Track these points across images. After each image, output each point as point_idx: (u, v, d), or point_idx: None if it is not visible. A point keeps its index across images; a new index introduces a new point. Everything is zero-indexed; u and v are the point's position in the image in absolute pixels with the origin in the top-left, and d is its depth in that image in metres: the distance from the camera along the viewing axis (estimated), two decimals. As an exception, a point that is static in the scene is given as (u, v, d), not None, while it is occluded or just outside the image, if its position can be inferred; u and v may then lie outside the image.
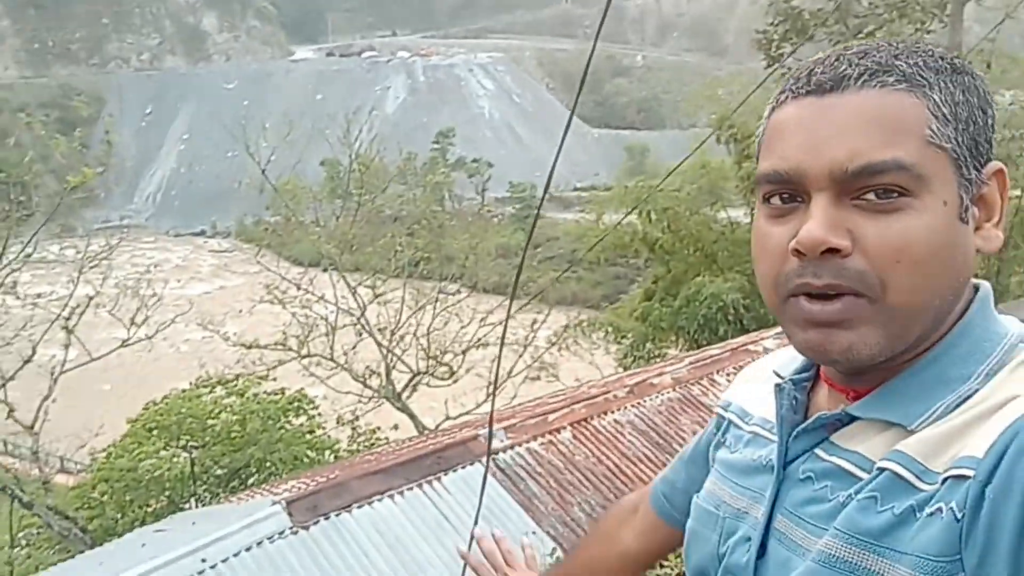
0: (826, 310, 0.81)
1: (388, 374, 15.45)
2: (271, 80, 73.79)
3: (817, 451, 0.89)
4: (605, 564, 1.32)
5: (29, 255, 12.84)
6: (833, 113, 0.81)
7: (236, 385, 14.42)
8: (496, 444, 6.13)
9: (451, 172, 54.19)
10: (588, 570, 1.35)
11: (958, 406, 0.81)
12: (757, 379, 1.07)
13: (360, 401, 15.40)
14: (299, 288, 16.00)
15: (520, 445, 6.29)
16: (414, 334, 15.68)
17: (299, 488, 6.01)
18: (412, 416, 15.14)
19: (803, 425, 0.91)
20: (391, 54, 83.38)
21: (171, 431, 13.29)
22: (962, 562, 0.72)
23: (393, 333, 15.66)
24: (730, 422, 1.08)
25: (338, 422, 15.16)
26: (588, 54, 1.80)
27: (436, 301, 15.99)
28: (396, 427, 15.53)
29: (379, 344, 15.49)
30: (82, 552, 8.61)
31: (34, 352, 12.48)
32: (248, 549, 5.17)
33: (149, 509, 12.79)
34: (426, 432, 12.02)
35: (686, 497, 1.09)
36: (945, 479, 0.76)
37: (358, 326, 15.63)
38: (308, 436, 13.95)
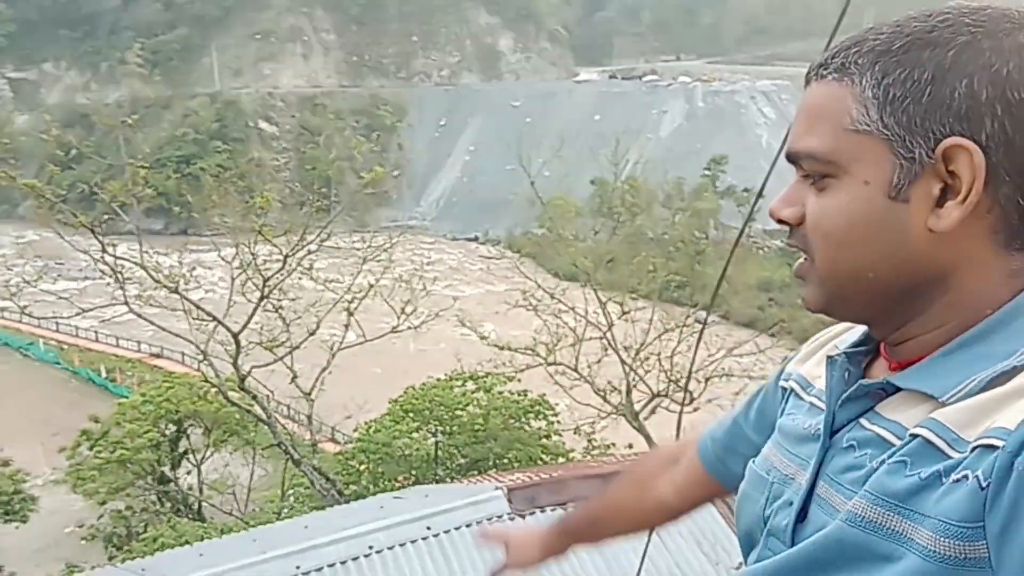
0: (796, 267, 0.95)
1: (628, 392, 15.61)
2: (554, 99, 76.75)
3: (862, 420, 0.91)
4: (639, 510, 1.37)
5: (323, 241, 14.51)
6: (800, 103, 0.93)
7: (485, 381, 15.29)
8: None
9: (719, 199, 53.14)
10: (619, 515, 1.40)
11: (995, 380, 0.81)
12: (819, 351, 1.10)
13: (599, 415, 15.71)
14: (552, 298, 16.63)
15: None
16: (658, 356, 15.71)
17: (521, 480, 6.35)
18: (647, 437, 15.16)
19: (847, 393, 0.93)
20: (672, 78, 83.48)
21: (423, 415, 14.39)
22: (984, 529, 0.73)
23: (638, 352, 15.80)
24: (792, 391, 1.10)
25: (576, 432, 15.57)
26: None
27: (684, 326, 15.91)
28: (631, 446, 15.63)
29: (623, 361, 15.70)
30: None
31: (317, 328, 14.07)
32: (468, 525, 5.58)
33: (397, 483, 13.94)
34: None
35: (739, 457, 1.14)
36: (975, 448, 0.76)
37: (604, 341, 15.94)
38: (545, 440, 14.47)
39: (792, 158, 0.92)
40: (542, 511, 5.81)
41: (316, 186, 16.57)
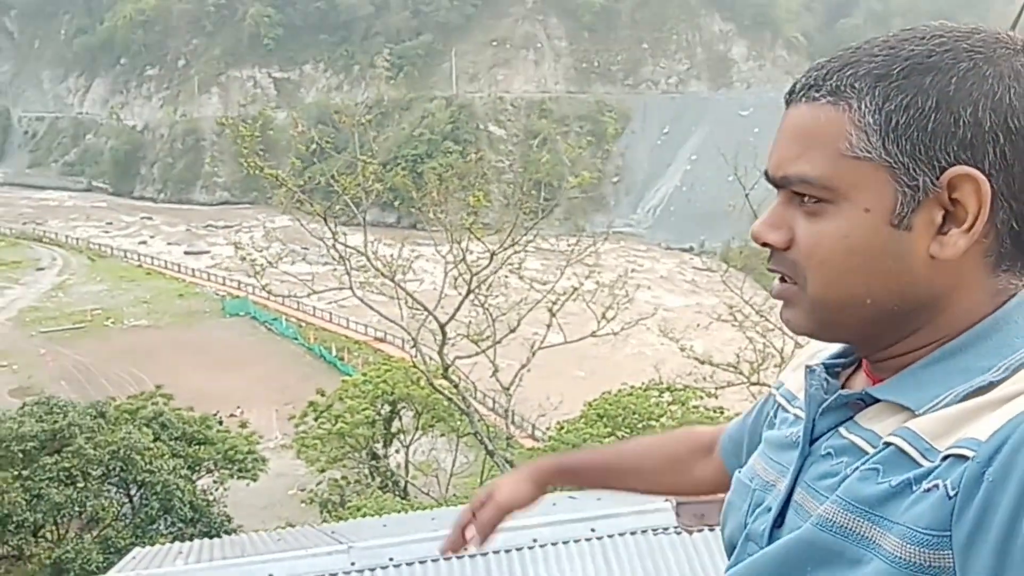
0: (776, 289, 0.94)
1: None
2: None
3: (840, 429, 0.92)
4: (672, 485, 1.41)
5: (529, 242, 14.98)
6: (783, 124, 0.91)
7: (682, 394, 15.12)
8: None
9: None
10: (638, 475, 1.41)
11: (972, 394, 0.81)
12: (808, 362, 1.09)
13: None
14: (759, 315, 16.09)
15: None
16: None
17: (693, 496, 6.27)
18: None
19: (827, 403, 0.94)
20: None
21: (616, 421, 14.48)
22: (951, 539, 0.74)
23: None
24: (779, 404, 1.11)
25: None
26: None
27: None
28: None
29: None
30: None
31: (518, 324, 14.56)
32: (633, 533, 5.61)
33: (581, 485, 14.10)
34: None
35: (748, 455, 1.14)
36: (946, 457, 0.77)
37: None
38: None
39: (781, 182, 0.90)
40: (711, 529, 5.73)
41: (532, 189, 17.15)
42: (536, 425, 23.66)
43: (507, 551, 5.34)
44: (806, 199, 0.88)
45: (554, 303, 15.67)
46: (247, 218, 65.03)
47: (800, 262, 0.89)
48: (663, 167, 73.92)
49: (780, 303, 0.94)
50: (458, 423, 18.81)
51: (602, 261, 17.30)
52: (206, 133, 79.27)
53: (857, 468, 0.85)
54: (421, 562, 5.05)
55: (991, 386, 0.81)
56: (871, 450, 0.86)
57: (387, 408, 22.51)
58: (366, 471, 22.06)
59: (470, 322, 14.89)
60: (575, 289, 16.03)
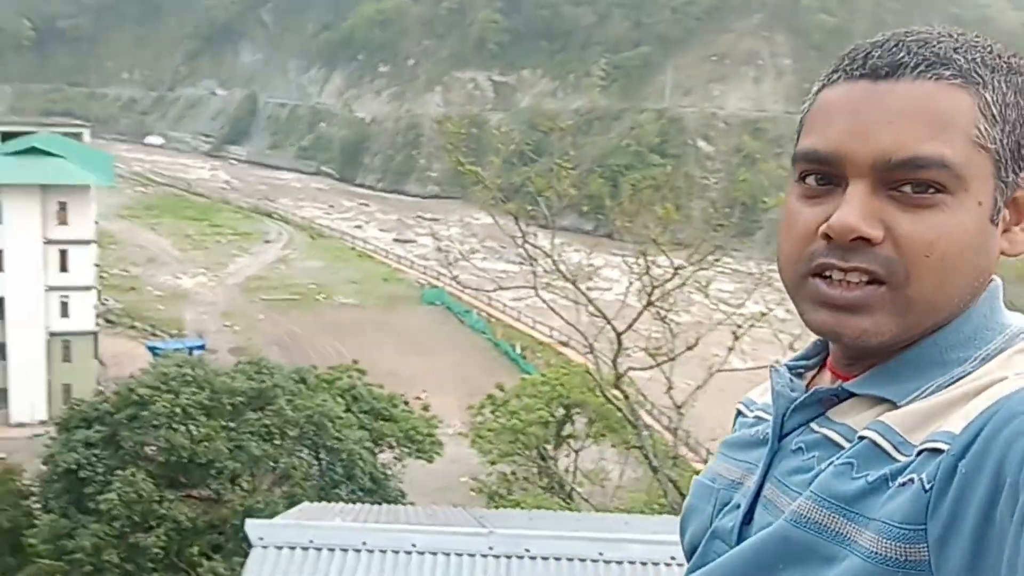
0: (845, 296, 0.83)
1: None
2: None
3: (811, 425, 0.91)
4: None
5: (717, 260, 14.66)
6: (885, 100, 0.82)
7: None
8: None
9: None
10: None
11: (949, 386, 0.81)
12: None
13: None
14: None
15: None
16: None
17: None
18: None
19: (801, 399, 0.92)
20: None
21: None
22: (926, 532, 0.73)
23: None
24: (738, 412, 1.10)
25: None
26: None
27: None
28: None
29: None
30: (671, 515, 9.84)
31: (696, 343, 14.29)
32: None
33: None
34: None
35: None
36: (920, 451, 0.76)
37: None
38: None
39: (899, 165, 0.81)
40: None
41: (732, 207, 16.78)
42: (709, 449, 23.06)
43: (643, 563, 5.35)
44: (913, 188, 0.81)
45: (739, 326, 15.25)
46: (453, 212, 67.88)
47: (902, 258, 0.81)
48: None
49: (847, 314, 0.84)
50: (629, 436, 18.72)
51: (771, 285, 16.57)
52: (425, 129, 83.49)
53: (831, 463, 0.84)
54: (556, 559, 5.17)
55: (964, 376, 0.82)
56: (845, 444, 0.85)
57: (561, 411, 22.81)
58: (534, 470, 22.45)
59: (649, 335, 14.81)
60: (763, 314, 15.52)
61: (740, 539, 0.92)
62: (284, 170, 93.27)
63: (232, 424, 22.48)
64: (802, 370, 0.99)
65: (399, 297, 53.35)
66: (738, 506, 0.95)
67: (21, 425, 34.72)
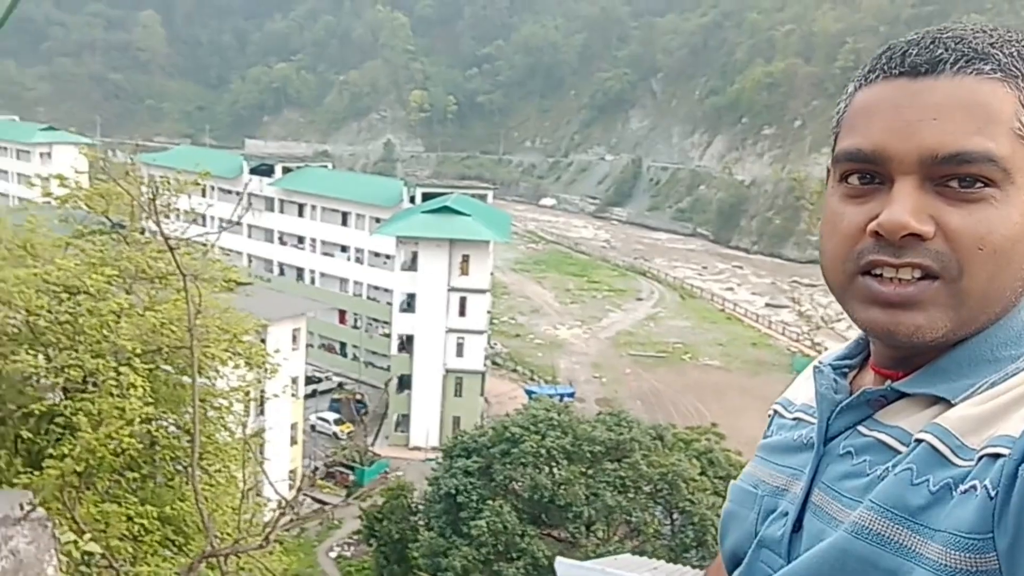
0: (898, 292, 0.82)
1: None
2: None
3: (859, 428, 0.89)
4: None
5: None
6: (926, 97, 0.82)
7: None
8: None
9: None
10: None
11: (1003, 383, 0.80)
12: (806, 374, 1.04)
13: None
14: None
15: None
16: None
17: None
18: None
19: (847, 401, 0.91)
20: None
21: None
22: (994, 540, 0.71)
23: None
24: (776, 412, 1.07)
25: None
26: None
27: None
28: None
29: None
30: None
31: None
32: None
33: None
34: None
35: None
36: (981, 457, 0.75)
37: None
38: None
39: (946, 160, 0.81)
40: None
41: None
42: None
43: None
44: (960, 183, 0.81)
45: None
46: (833, 279, 64.15)
47: (955, 252, 0.81)
48: None
49: (900, 311, 0.83)
50: None
51: None
52: (808, 192, 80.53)
53: (888, 469, 0.82)
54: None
55: (1019, 375, 0.80)
56: (901, 447, 0.83)
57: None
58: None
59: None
60: None
61: (790, 547, 0.91)
62: (661, 231, 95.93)
63: (590, 472, 23.46)
64: (846, 370, 0.98)
65: (767, 363, 51.68)
66: (785, 513, 0.93)
67: (417, 448, 39.60)
